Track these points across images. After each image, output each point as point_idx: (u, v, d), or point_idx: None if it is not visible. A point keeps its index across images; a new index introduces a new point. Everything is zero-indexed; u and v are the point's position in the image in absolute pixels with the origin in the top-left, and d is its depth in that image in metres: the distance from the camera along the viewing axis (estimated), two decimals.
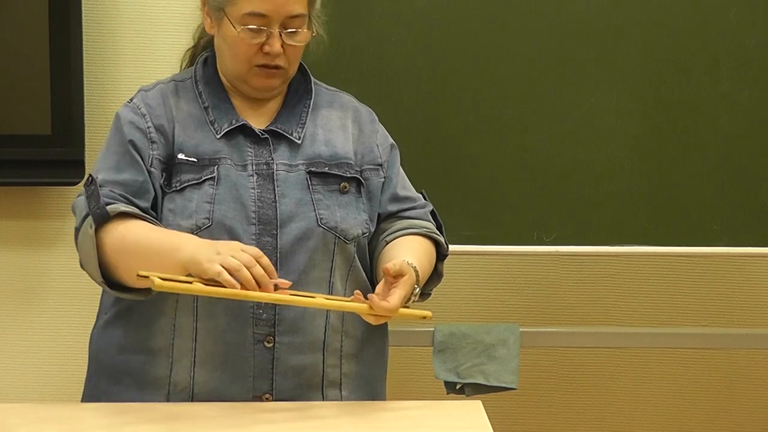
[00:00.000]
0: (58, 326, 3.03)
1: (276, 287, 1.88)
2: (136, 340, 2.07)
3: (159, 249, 1.94)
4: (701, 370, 3.20)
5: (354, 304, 1.94)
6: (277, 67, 2.08)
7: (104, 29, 2.91)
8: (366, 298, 1.95)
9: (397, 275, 1.96)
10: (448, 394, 2.81)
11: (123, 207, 1.99)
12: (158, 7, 2.91)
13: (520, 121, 2.69)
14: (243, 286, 1.86)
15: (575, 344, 2.96)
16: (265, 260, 1.89)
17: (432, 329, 2.81)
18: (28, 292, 3.02)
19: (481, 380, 2.79)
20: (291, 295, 1.91)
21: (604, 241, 2.72)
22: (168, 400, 2.04)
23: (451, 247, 2.63)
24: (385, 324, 2.20)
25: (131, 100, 2.14)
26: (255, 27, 2.04)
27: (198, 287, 1.87)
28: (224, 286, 1.85)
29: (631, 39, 2.68)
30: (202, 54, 2.19)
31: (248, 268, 1.85)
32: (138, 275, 1.86)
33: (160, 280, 1.83)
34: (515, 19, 2.67)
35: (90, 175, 2.06)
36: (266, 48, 2.05)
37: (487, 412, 1.99)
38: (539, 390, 3.17)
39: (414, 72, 2.67)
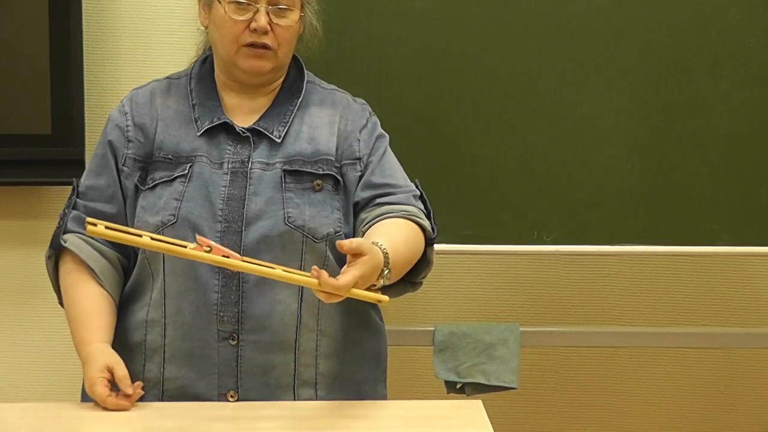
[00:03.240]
0: (58, 326, 3.02)
1: (210, 249, 1.86)
2: (116, 335, 2.09)
3: (77, 335, 2.08)
4: (701, 369, 3.20)
5: (305, 278, 1.86)
6: (265, 47, 2.08)
7: (104, 29, 2.91)
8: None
9: (355, 254, 1.88)
10: (448, 393, 2.82)
11: (73, 248, 2.09)
12: (158, 7, 2.91)
13: (520, 121, 2.69)
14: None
15: (575, 344, 2.96)
16: (120, 373, 1.97)
17: (432, 329, 2.81)
18: (28, 292, 3.02)
19: (481, 380, 2.79)
20: (242, 260, 1.87)
21: (604, 241, 2.72)
22: (141, 396, 2.05)
23: (452, 247, 2.65)
24: (377, 325, 2.19)
25: (122, 99, 2.19)
26: (242, 1, 2.06)
27: (145, 240, 1.87)
28: (173, 245, 1.86)
29: (631, 39, 2.68)
30: (204, 53, 2.21)
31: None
32: (87, 222, 1.87)
33: (101, 228, 1.85)
34: (515, 20, 2.67)
35: (73, 180, 2.16)
36: (252, 24, 2.06)
37: (487, 412, 1.99)
38: (539, 390, 3.17)
39: (414, 72, 2.67)
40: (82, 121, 2.85)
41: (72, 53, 2.81)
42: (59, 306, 3.01)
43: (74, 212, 2.13)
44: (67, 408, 2.01)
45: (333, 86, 2.24)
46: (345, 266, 1.89)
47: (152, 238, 1.87)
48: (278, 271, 1.88)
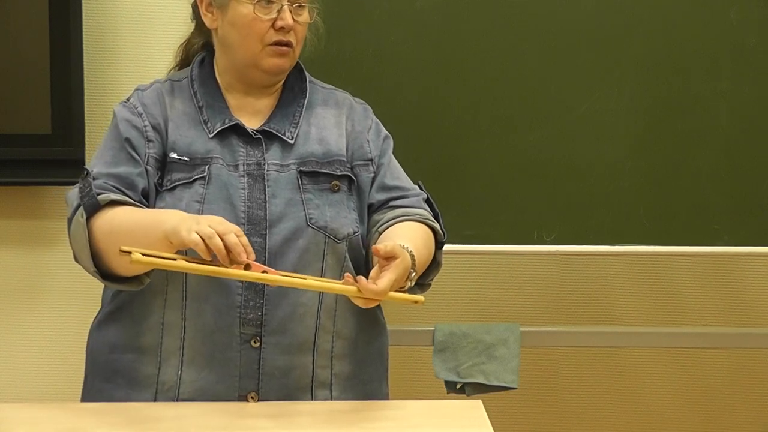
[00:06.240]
0: (58, 326, 3.03)
1: (248, 267, 1.85)
2: (126, 338, 2.08)
3: (145, 225, 1.94)
4: (701, 369, 3.21)
5: (343, 286, 1.89)
6: (288, 45, 2.09)
7: (104, 29, 2.91)
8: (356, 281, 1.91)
9: (389, 257, 1.91)
10: (448, 393, 2.82)
11: (114, 196, 2.00)
12: (158, 7, 2.91)
13: (519, 121, 2.69)
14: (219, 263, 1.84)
15: (575, 344, 2.96)
16: (244, 239, 1.86)
17: (432, 328, 2.81)
18: (28, 291, 3.02)
19: (481, 380, 2.79)
20: (279, 275, 1.88)
21: (604, 241, 2.72)
22: (155, 399, 2.05)
23: (452, 247, 2.64)
24: (382, 323, 2.20)
25: (128, 99, 2.15)
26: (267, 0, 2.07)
27: (180, 263, 1.84)
28: (212, 264, 1.84)
29: (632, 39, 2.68)
30: (199, 54, 2.20)
31: (222, 237, 1.83)
32: (120, 250, 1.83)
33: (138, 255, 1.81)
34: (515, 19, 2.67)
35: (85, 168, 2.08)
36: (279, 23, 2.07)
37: (487, 412, 1.99)
38: (539, 390, 3.17)
39: (414, 72, 2.67)
40: (82, 121, 2.85)
41: (72, 53, 2.81)
42: (59, 306, 3.03)
43: (98, 182, 2.02)
44: (67, 408, 2.01)
45: (331, 86, 2.25)
46: (376, 270, 1.92)
47: (186, 260, 1.85)
48: (317, 282, 1.92)
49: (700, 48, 2.69)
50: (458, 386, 2.82)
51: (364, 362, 2.15)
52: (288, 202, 2.07)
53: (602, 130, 2.70)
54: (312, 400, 2.07)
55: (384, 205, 2.15)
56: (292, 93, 2.18)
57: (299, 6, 2.10)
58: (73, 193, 2.05)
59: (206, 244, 1.83)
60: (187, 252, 1.89)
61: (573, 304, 3.14)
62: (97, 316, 2.15)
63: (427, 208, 2.18)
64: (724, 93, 2.69)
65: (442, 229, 2.16)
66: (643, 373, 3.20)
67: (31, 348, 3.04)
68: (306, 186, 2.09)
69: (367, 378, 2.16)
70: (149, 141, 2.08)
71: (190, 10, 2.22)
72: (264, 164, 2.09)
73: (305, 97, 2.17)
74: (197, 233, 1.83)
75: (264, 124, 2.13)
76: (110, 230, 1.97)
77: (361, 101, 2.25)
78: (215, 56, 2.18)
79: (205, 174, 2.06)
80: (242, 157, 2.09)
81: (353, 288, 1.88)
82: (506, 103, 2.69)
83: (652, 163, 2.71)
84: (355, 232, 2.11)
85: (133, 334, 2.07)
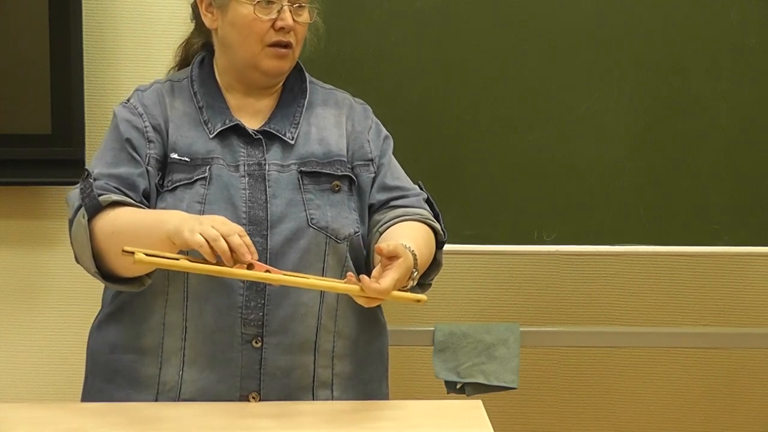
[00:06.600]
0: (58, 326, 3.03)
1: (251, 266, 1.85)
2: (127, 339, 2.08)
3: (147, 226, 1.94)
4: (701, 369, 3.21)
5: (346, 285, 1.90)
6: (288, 46, 2.09)
7: (104, 29, 2.91)
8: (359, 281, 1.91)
9: (392, 257, 1.92)
10: (448, 393, 2.82)
11: (115, 197, 2.00)
12: (158, 7, 2.91)
13: (519, 121, 2.70)
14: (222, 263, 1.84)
15: (575, 344, 2.96)
16: (247, 239, 1.87)
17: (432, 328, 2.81)
18: (28, 291, 3.02)
19: (481, 380, 2.79)
20: (283, 274, 1.89)
21: (604, 241, 2.72)
22: (156, 399, 2.05)
23: (452, 247, 2.64)
24: (383, 323, 2.21)
25: (128, 100, 2.15)
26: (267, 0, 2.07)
27: (183, 263, 1.85)
28: (213, 264, 1.84)
29: (632, 39, 2.68)
30: (199, 54, 2.20)
31: (226, 238, 1.83)
32: (123, 251, 1.83)
33: (141, 255, 1.81)
34: (515, 19, 2.67)
35: (86, 169, 2.08)
36: (279, 23, 2.07)
37: (487, 412, 1.99)
38: (539, 390, 3.17)
39: (414, 72, 2.67)
40: (82, 121, 2.85)
41: (72, 53, 2.81)
42: (59, 306, 3.03)
43: (99, 183, 2.02)
44: (67, 408, 2.01)
45: (331, 86, 2.25)
46: (378, 269, 1.92)
47: (189, 260, 1.86)
48: (320, 282, 1.92)
49: (700, 48, 2.69)
50: (458, 386, 2.82)
51: (364, 362, 2.15)
52: (289, 202, 2.07)
53: (602, 130, 2.70)
54: (313, 400, 2.08)
55: (384, 205, 2.16)
56: (292, 93, 2.18)
57: (299, 6, 2.10)
58: (74, 194, 2.05)
59: (210, 246, 1.83)
60: (189, 252, 1.90)
61: (573, 304, 3.14)
62: (97, 316, 2.16)
63: (428, 208, 2.18)
64: (724, 93, 2.69)
65: (442, 229, 2.16)
66: (643, 373, 3.20)
67: (31, 348, 3.04)
68: (307, 186, 2.09)
69: (367, 378, 2.16)
70: (150, 141, 2.08)
71: (190, 10, 2.21)
72: (265, 164, 2.09)
73: (305, 97, 2.17)
74: (201, 234, 1.83)
75: (264, 125, 2.13)
76: (112, 231, 1.97)
77: (361, 101, 2.25)
78: (215, 56, 2.18)
79: (206, 174, 2.06)
80: (243, 158, 2.09)
81: (356, 287, 1.88)
82: (506, 103, 2.69)
83: (652, 163, 2.71)
84: (356, 233, 2.11)
85: (134, 335, 2.07)
